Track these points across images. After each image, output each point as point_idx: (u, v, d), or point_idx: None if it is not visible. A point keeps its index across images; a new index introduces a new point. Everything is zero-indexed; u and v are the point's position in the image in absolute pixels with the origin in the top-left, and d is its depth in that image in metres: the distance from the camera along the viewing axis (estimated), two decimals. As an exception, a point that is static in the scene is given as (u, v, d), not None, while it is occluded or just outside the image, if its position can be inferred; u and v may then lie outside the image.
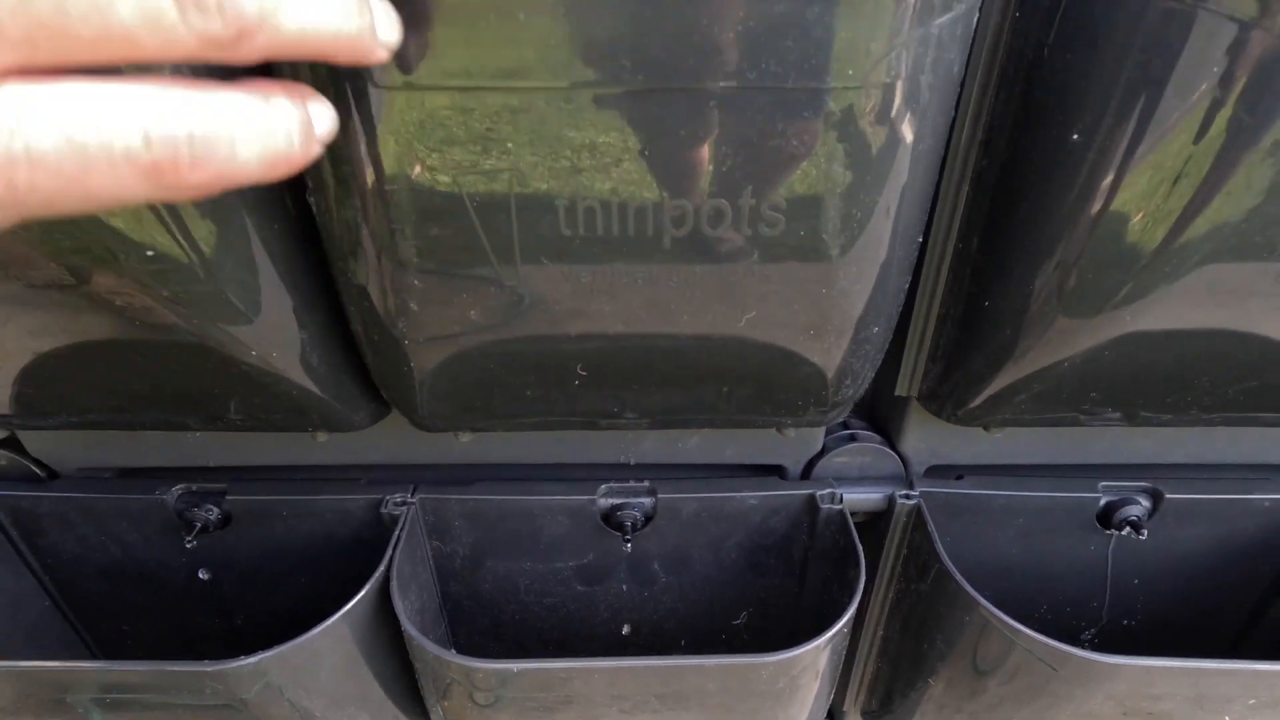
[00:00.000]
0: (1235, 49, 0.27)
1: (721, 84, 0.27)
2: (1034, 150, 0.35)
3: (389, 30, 0.23)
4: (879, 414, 0.56)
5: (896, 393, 0.50)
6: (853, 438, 0.55)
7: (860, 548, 0.48)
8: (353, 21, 0.20)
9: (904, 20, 0.26)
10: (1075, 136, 0.32)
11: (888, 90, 0.28)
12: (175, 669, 0.41)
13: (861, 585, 0.47)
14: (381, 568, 0.46)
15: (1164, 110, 0.29)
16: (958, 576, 0.45)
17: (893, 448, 0.54)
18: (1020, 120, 0.36)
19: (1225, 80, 0.28)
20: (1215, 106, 0.28)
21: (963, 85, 0.36)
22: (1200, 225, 0.32)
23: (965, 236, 0.41)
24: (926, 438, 0.53)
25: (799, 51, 0.26)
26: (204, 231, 0.32)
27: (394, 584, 0.46)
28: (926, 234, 0.42)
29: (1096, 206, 0.33)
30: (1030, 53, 0.34)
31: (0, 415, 0.46)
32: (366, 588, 0.45)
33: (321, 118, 0.22)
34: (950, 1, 0.27)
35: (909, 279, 0.40)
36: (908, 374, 0.49)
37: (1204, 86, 0.28)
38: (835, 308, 0.37)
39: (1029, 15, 0.34)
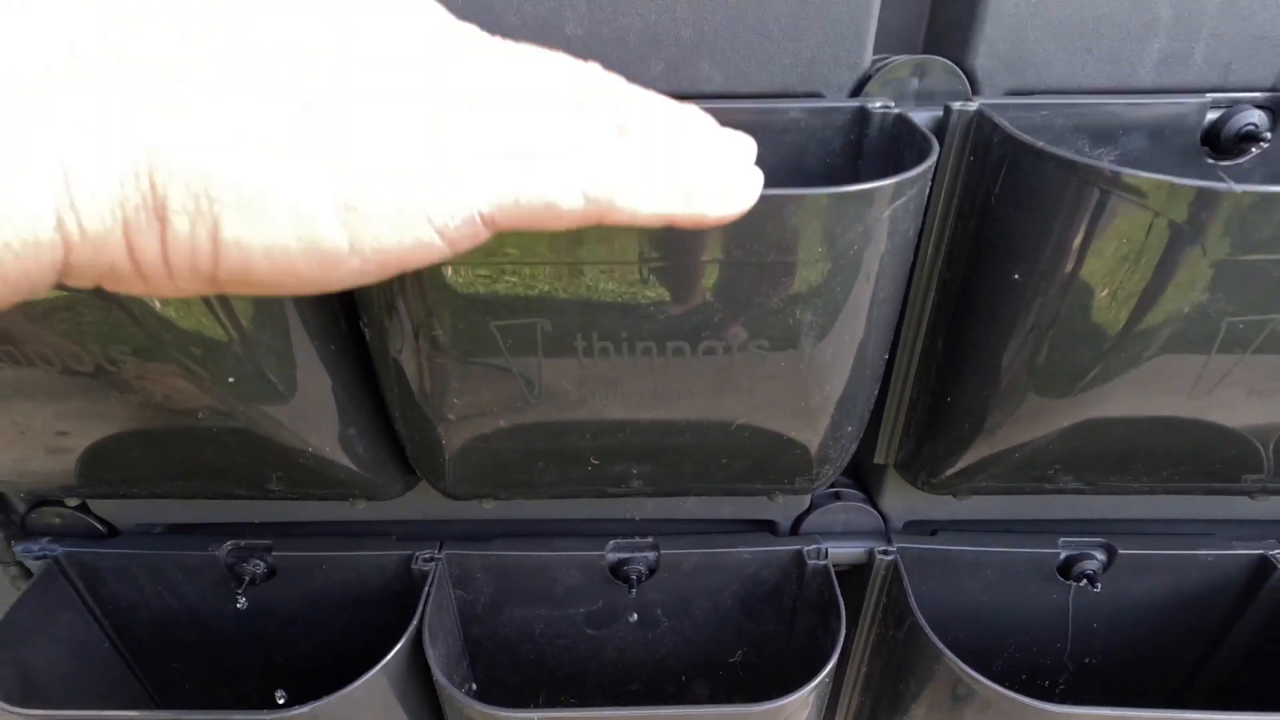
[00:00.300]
0: (1142, 226, 0.33)
1: (714, 258, 0.32)
2: (984, 281, 0.40)
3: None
4: (862, 475, 0.61)
5: (875, 460, 0.56)
6: (838, 496, 0.60)
7: (841, 602, 0.54)
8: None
9: (863, 211, 0.31)
10: (1016, 276, 0.38)
11: (852, 256, 0.33)
12: (239, 718, 0.46)
13: (842, 637, 0.52)
14: (415, 622, 0.52)
15: (1087, 268, 0.35)
16: (927, 630, 0.51)
17: (874, 505, 0.60)
18: (973, 254, 0.41)
19: (1132, 246, 0.33)
20: (1125, 268, 0.34)
21: (925, 218, 0.42)
22: (1121, 350, 0.37)
23: (931, 338, 0.47)
24: (904, 497, 0.59)
25: (776, 237, 0.31)
26: (247, 318, 0.38)
27: (426, 637, 0.52)
28: (898, 335, 0.48)
29: (1034, 336, 0.38)
30: (981, 198, 0.40)
31: (67, 486, 0.52)
32: (402, 642, 0.51)
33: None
34: (904, 187, 0.32)
35: (882, 374, 0.46)
36: (884, 446, 0.54)
37: (1114, 249, 0.34)
38: (815, 407, 0.42)
39: (980, 167, 0.40)
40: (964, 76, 0.43)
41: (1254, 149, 0.41)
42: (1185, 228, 0.31)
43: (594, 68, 0.26)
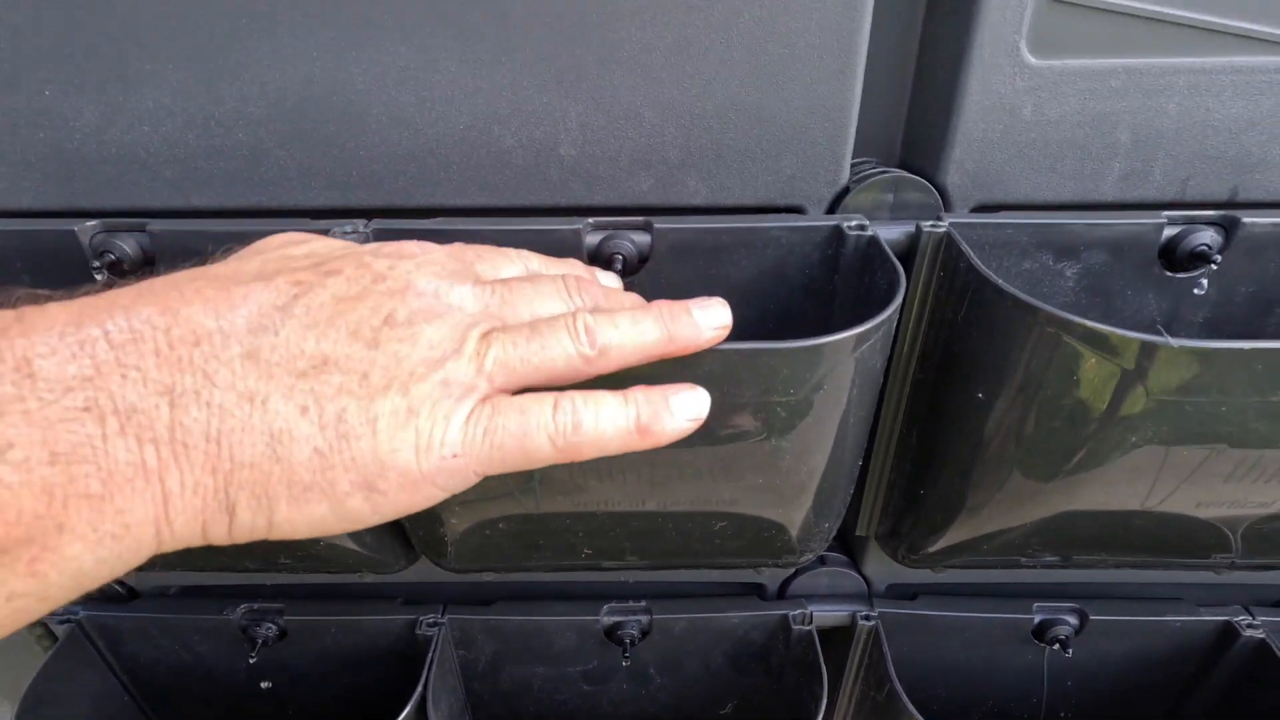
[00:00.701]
0: (1091, 366, 0.35)
1: (694, 396, 0.35)
2: (952, 390, 0.43)
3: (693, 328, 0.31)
4: (847, 540, 0.64)
5: (857, 533, 0.59)
6: (823, 560, 0.63)
7: (823, 668, 0.57)
8: (664, 333, 0.30)
9: (832, 357, 0.34)
10: (980, 395, 0.40)
11: (822, 391, 0.36)
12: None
13: (825, 701, 0.55)
14: (420, 688, 0.55)
15: (1042, 396, 0.37)
16: (903, 698, 0.54)
17: (857, 570, 0.63)
18: (943, 362, 0.44)
19: (1083, 381, 0.36)
20: (1076, 398, 0.36)
21: (900, 325, 0.45)
22: (1078, 470, 0.40)
23: (906, 430, 0.50)
24: (886, 563, 0.61)
25: (751, 381, 0.34)
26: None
27: (429, 702, 0.55)
28: (877, 420, 0.50)
29: (997, 447, 0.41)
30: (950, 315, 0.42)
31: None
32: (408, 708, 0.54)
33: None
34: (868, 334, 0.35)
35: (860, 466, 0.48)
36: (866, 520, 0.57)
37: (1066, 382, 0.36)
38: (795, 504, 0.45)
39: (948, 285, 0.42)
40: (935, 192, 0.46)
41: (1206, 268, 0.43)
42: (1130, 371, 0.34)
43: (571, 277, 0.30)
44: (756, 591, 0.63)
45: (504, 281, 0.30)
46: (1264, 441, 0.36)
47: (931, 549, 0.52)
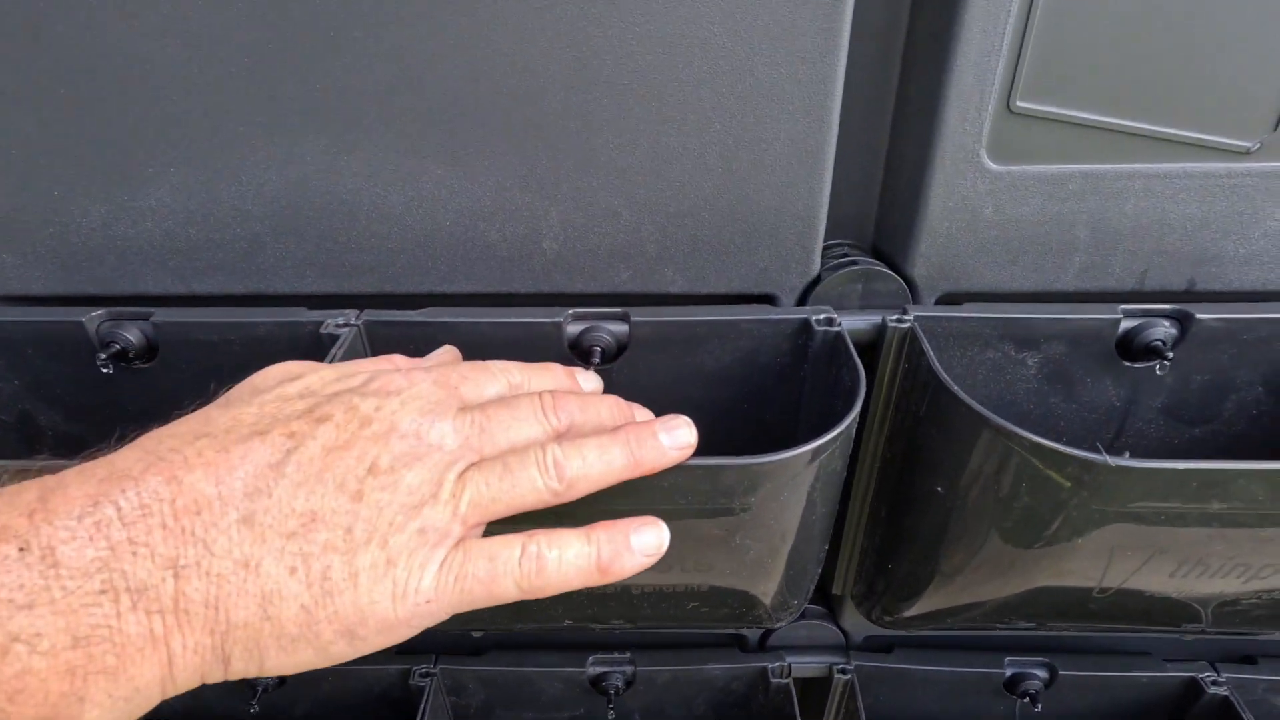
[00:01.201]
0: (1038, 476, 0.37)
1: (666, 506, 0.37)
2: (915, 479, 0.45)
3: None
4: (826, 594, 0.66)
5: (834, 591, 0.61)
6: (803, 614, 0.65)
7: (798, 718, 0.59)
8: (630, 460, 0.32)
9: (791, 468, 0.36)
10: (939, 489, 0.42)
11: (784, 497, 0.38)
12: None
13: (800, 756, 0.57)
14: (411, 740, 0.58)
15: (994, 497, 0.39)
16: (876, 755, 0.56)
17: (835, 623, 0.65)
18: (909, 448, 0.46)
19: (1030, 487, 0.38)
20: (1024, 501, 0.38)
21: (869, 404, 0.47)
22: (1033, 562, 0.42)
23: (876, 504, 0.52)
24: (862, 617, 0.64)
25: (711, 492, 0.36)
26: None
27: (421, 754, 0.57)
28: (849, 489, 0.52)
29: (954, 537, 0.43)
30: (912, 411, 0.44)
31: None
32: (400, 761, 0.56)
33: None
34: (825, 446, 0.37)
35: (829, 538, 0.50)
36: (841, 581, 0.59)
37: (1014, 486, 0.38)
38: (765, 582, 0.47)
39: (913, 376, 0.44)
40: (903, 284, 0.48)
41: (1160, 362, 0.45)
42: (1074, 484, 0.36)
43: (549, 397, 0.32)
44: (738, 642, 0.66)
45: (483, 408, 0.32)
46: (1206, 544, 0.38)
47: (903, 615, 0.54)
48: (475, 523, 0.29)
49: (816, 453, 0.36)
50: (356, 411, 0.29)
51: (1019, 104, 0.41)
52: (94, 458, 0.27)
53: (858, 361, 0.41)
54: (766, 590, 0.47)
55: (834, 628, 0.65)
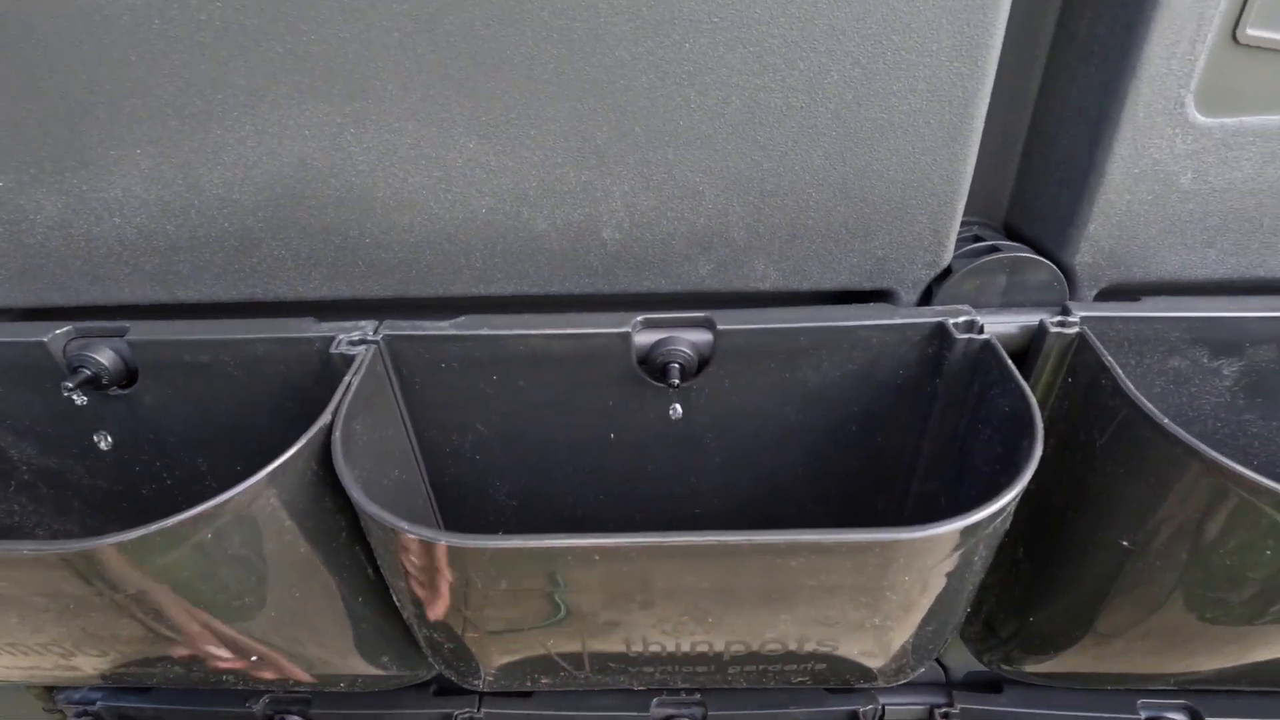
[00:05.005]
0: (1265, 522, 0.28)
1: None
2: (1082, 528, 0.36)
3: None
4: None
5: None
6: (895, 646, 0.57)
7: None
8: None
9: (947, 541, 0.27)
10: (1125, 543, 0.33)
11: (941, 566, 0.29)
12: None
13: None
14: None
15: (1207, 551, 0.30)
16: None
17: (936, 658, 0.56)
18: (1069, 489, 0.36)
19: (1253, 537, 0.28)
20: (1241, 556, 0.29)
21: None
22: (1236, 638, 0.32)
23: (1012, 543, 0.42)
24: (966, 650, 0.55)
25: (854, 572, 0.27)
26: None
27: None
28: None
29: (1139, 598, 0.34)
30: (1082, 442, 0.35)
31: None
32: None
33: None
34: (998, 513, 0.27)
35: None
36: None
37: (1233, 539, 0.29)
38: (894, 645, 0.38)
39: (1081, 400, 0.34)
40: (1061, 275, 0.37)
41: None
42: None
43: None
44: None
45: None
46: None
47: (1033, 669, 0.45)
48: None
49: (990, 519, 0.27)
50: None
51: (1250, 32, 0.30)
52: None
53: (1021, 383, 0.32)
54: (888, 661, 0.38)
55: (935, 663, 0.56)
